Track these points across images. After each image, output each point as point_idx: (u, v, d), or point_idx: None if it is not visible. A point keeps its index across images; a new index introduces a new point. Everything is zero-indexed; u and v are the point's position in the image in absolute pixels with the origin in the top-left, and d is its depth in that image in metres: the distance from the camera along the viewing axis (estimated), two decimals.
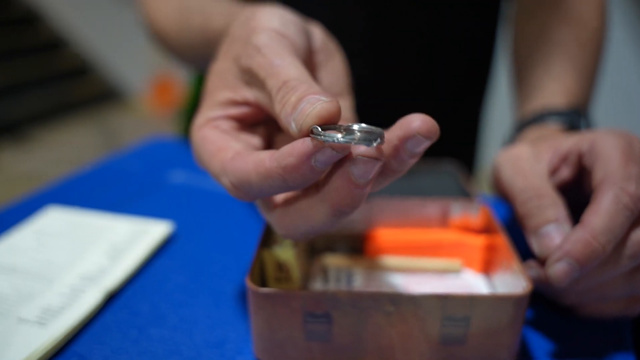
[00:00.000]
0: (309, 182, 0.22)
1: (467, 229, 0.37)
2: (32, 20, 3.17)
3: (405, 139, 0.21)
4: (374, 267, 0.35)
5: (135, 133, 2.78)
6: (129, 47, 3.12)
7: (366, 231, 0.37)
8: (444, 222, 0.37)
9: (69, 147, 2.69)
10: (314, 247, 0.37)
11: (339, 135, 0.20)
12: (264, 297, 0.27)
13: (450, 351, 0.28)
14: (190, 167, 0.53)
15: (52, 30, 3.22)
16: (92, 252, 0.38)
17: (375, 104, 0.56)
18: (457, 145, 0.65)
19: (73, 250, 0.38)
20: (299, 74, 0.24)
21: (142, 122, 3.03)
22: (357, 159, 0.21)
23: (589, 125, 0.41)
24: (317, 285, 0.34)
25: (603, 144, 0.30)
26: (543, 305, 0.34)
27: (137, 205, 0.46)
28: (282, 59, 0.25)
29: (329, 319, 0.27)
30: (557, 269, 0.27)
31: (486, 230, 0.35)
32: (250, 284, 0.27)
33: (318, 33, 0.31)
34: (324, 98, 0.21)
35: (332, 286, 0.34)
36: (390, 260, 0.35)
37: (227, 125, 0.27)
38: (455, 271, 0.35)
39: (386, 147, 0.22)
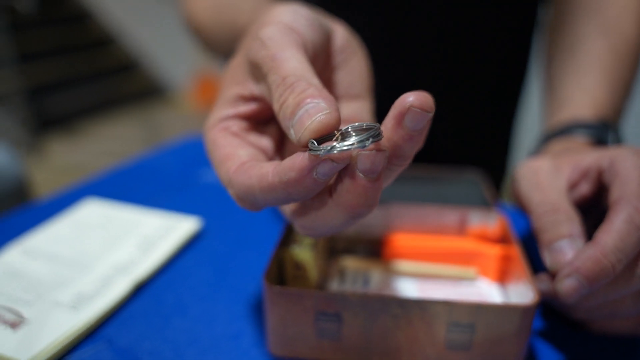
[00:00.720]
0: (314, 193, 0.22)
1: (484, 238, 0.37)
2: (83, 18, 3.31)
3: (402, 116, 0.20)
4: (390, 271, 0.36)
5: (177, 128, 2.86)
6: (173, 44, 3.21)
7: (384, 236, 0.38)
8: (461, 230, 0.37)
9: (115, 140, 2.79)
10: (334, 249, 0.39)
11: (336, 144, 0.20)
12: (279, 294, 0.28)
13: (456, 357, 0.28)
14: None
15: (102, 28, 3.34)
16: (125, 243, 0.40)
17: None
18: (489, 153, 0.65)
19: (107, 242, 0.40)
20: (299, 67, 0.23)
21: (184, 117, 3.12)
22: (360, 155, 0.20)
23: (617, 139, 0.41)
24: (334, 285, 0.35)
25: (623, 163, 0.30)
26: (556, 318, 0.34)
27: (169, 200, 0.48)
28: (283, 52, 0.24)
29: (339, 318, 0.28)
30: (566, 285, 0.27)
31: (503, 240, 0.36)
32: (266, 282, 0.28)
33: (341, 32, 0.30)
34: (322, 104, 0.21)
35: (348, 287, 0.35)
36: (406, 265, 0.36)
37: (237, 126, 0.27)
38: (470, 279, 0.36)
39: (387, 132, 0.21)
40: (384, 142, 0.21)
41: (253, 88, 0.27)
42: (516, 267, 0.32)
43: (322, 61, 0.29)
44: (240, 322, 0.33)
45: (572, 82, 0.48)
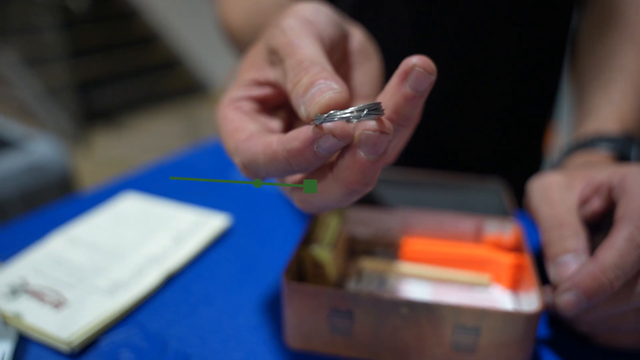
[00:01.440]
0: (313, 166, 0.23)
1: (499, 246, 0.38)
2: (131, 16, 3.42)
3: (405, 75, 0.21)
4: (406, 274, 0.38)
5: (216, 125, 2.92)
6: (216, 43, 3.28)
7: (402, 239, 0.40)
8: (477, 237, 0.39)
9: (156, 135, 2.88)
10: (354, 250, 0.40)
11: (336, 112, 0.21)
12: (295, 290, 0.30)
13: (461, 358, 0.30)
14: None
15: (148, 25, 3.45)
16: (159, 236, 0.43)
17: (436, 118, 0.58)
18: (520, 163, 0.65)
19: (143, 234, 0.43)
20: (314, 54, 0.25)
21: None
22: (362, 134, 0.21)
23: None
24: (352, 284, 0.37)
25: (632, 180, 0.31)
26: (564, 329, 0.35)
27: (202, 197, 0.51)
28: (301, 39, 0.26)
29: (351, 315, 0.30)
30: (564, 299, 0.28)
31: (517, 249, 0.37)
32: (284, 278, 0.30)
33: (358, 34, 0.31)
34: (334, 85, 0.22)
35: (364, 287, 0.37)
36: (421, 268, 0.38)
37: (248, 106, 0.28)
38: (483, 285, 0.37)
39: (390, 90, 0.22)
40: (390, 90, 0.22)
41: (269, 73, 0.29)
42: (527, 276, 0.33)
43: (337, 57, 0.30)
44: (261, 315, 0.35)
45: (600, 94, 0.48)
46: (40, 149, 0.96)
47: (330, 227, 0.37)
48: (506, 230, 0.38)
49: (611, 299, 0.29)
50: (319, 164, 0.23)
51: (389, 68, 0.32)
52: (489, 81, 0.59)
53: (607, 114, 0.46)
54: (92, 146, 2.70)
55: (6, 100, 2.85)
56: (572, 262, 0.30)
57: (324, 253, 0.34)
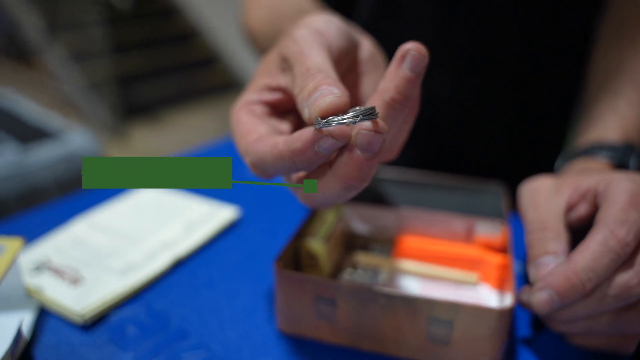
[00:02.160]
0: (315, 165, 0.25)
1: (489, 246, 0.39)
2: (171, 13, 3.52)
3: (402, 58, 0.24)
4: (398, 269, 0.40)
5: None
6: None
7: (396, 236, 0.42)
8: (468, 237, 0.40)
9: (192, 130, 2.96)
10: (351, 245, 0.43)
11: (334, 118, 0.23)
12: (284, 278, 0.33)
13: (436, 350, 0.31)
14: None
15: (188, 22, 3.54)
16: (172, 224, 0.46)
17: (456, 124, 0.59)
18: (535, 167, 0.65)
19: (157, 222, 0.47)
20: (321, 62, 0.27)
21: None
22: (359, 133, 0.23)
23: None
24: (346, 276, 0.39)
25: (615, 187, 0.32)
26: (547, 330, 0.36)
27: (214, 189, 0.54)
28: (311, 49, 0.28)
29: (334, 303, 0.32)
30: (538, 297, 0.30)
31: (506, 250, 0.38)
32: (276, 266, 0.33)
33: (367, 45, 0.33)
34: (335, 90, 0.25)
35: (358, 279, 0.39)
36: (413, 265, 0.40)
37: (260, 109, 0.31)
38: (471, 284, 0.38)
39: (391, 75, 0.25)
40: (389, 74, 0.25)
41: (280, 79, 0.31)
42: (509, 275, 0.34)
43: (345, 65, 0.32)
44: (258, 301, 0.38)
45: (606, 102, 0.48)
46: (77, 140, 1.02)
47: (327, 222, 0.39)
48: (495, 232, 0.39)
49: (584, 301, 0.30)
50: (319, 162, 0.25)
51: None
52: (507, 83, 0.59)
53: (611, 123, 0.46)
54: (130, 139, 2.80)
55: (52, 93, 2.99)
56: (551, 263, 0.32)
57: (318, 245, 0.37)
